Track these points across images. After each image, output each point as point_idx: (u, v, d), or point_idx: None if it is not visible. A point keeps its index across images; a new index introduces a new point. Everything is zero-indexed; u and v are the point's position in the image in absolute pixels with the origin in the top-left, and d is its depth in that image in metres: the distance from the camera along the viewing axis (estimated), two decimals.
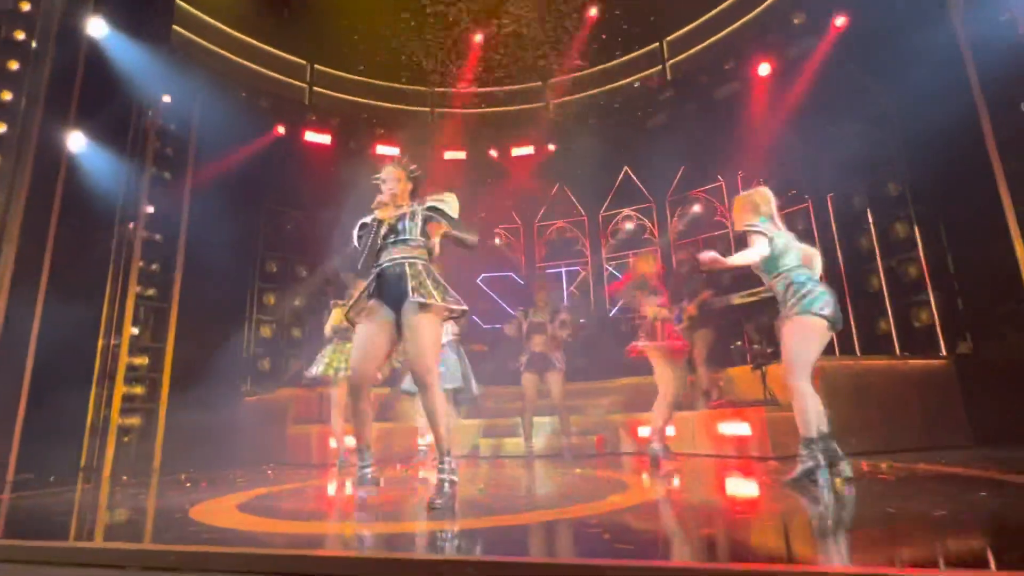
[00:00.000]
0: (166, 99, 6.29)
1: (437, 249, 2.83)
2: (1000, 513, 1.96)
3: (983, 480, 2.78)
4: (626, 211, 8.38)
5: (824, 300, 2.86)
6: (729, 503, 2.67)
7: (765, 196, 3.23)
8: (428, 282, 2.72)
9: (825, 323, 2.84)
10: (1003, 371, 4.78)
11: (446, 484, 2.52)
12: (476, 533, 2.07)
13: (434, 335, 2.69)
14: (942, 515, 1.96)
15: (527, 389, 5.21)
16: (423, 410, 2.75)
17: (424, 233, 2.83)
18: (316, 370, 4.67)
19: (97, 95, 5.57)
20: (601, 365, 8.07)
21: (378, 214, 2.81)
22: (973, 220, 5.08)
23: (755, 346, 5.31)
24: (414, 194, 2.99)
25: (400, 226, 2.82)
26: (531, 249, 8.87)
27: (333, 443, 4.53)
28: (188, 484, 4.07)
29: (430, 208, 2.86)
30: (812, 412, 2.78)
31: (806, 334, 2.84)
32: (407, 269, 2.73)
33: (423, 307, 2.65)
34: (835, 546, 1.77)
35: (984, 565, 1.42)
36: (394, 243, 2.81)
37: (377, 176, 2.94)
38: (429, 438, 4.80)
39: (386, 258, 2.80)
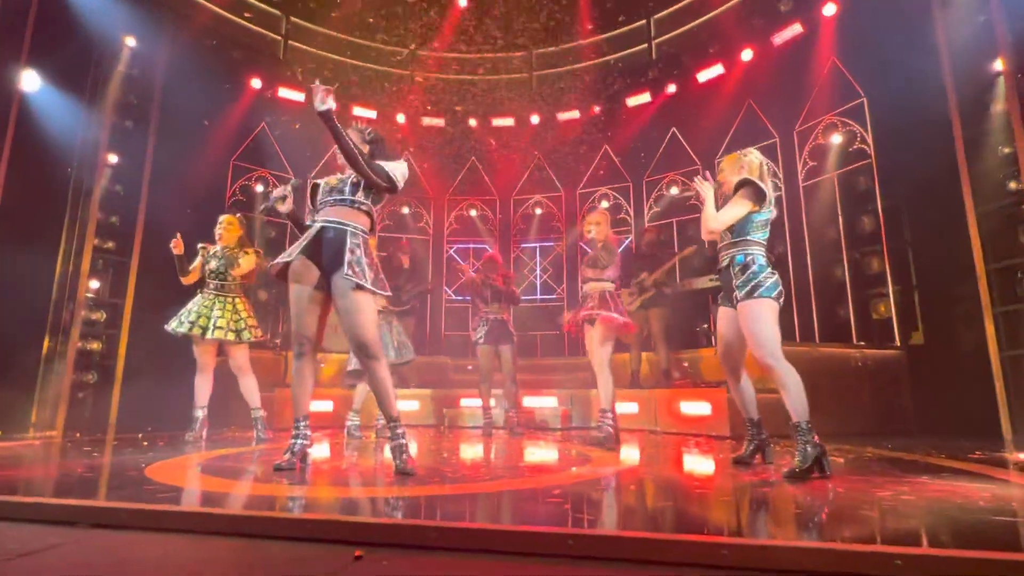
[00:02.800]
0: (130, 42, 5.95)
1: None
2: (937, 495, 2.06)
3: (924, 464, 2.93)
4: (603, 190, 8.38)
5: (779, 288, 2.81)
6: (686, 479, 2.75)
7: (760, 159, 3.03)
8: (364, 260, 2.66)
9: (778, 307, 2.80)
10: (950, 364, 5.01)
11: (404, 452, 2.59)
12: (437, 499, 2.08)
13: (370, 309, 2.66)
14: (884, 496, 2.05)
15: (483, 361, 5.24)
16: (369, 385, 2.73)
17: (369, 196, 2.77)
18: (173, 325, 4.22)
19: (53, 32, 5.23)
20: (570, 340, 8.15)
21: (278, 208, 2.91)
22: (936, 218, 5.25)
23: None
24: (371, 157, 2.88)
25: (344, 187, 2.75)
26: (507, 223, 8.82)
27: (197, 413, 4.26)
28: (145, 443, 3.99)
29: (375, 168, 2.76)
30: (802, 392, 2.68)
31: (774, 315, 2.76)
32: (348, 239, 2.66)
33: (356, 285, 2.61)
34: (784, 522, 1.85)
35: (918, 542, 1.50)
36: (335, 202, 2.74)
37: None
38: (356, 419, 4.79)
39: (327, 217, 2.72)
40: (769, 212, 2.90)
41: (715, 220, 2.85)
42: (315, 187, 2.90)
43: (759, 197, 2.83)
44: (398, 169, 2.78)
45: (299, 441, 2.73)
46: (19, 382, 5.03)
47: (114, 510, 1.60)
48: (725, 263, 2.89)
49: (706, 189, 2.96)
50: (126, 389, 5.67)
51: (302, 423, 2.75)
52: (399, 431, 2.64)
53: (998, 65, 4.53)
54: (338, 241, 2.65)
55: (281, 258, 2.74)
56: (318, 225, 2.71)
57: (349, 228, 2.68)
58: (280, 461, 2.66)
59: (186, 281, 4.44)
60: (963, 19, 4.85)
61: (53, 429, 5.08)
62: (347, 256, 2.61)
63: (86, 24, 5.49)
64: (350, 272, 2.58)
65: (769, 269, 2.82)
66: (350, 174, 2.78)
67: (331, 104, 2.56)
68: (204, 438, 4.23)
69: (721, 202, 3.02)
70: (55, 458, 3.27)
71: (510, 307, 5.38)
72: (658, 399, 5.46)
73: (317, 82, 2.59)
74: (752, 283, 2.75)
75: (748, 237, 2.85)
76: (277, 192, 2.91)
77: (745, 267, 2.80)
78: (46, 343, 5.31)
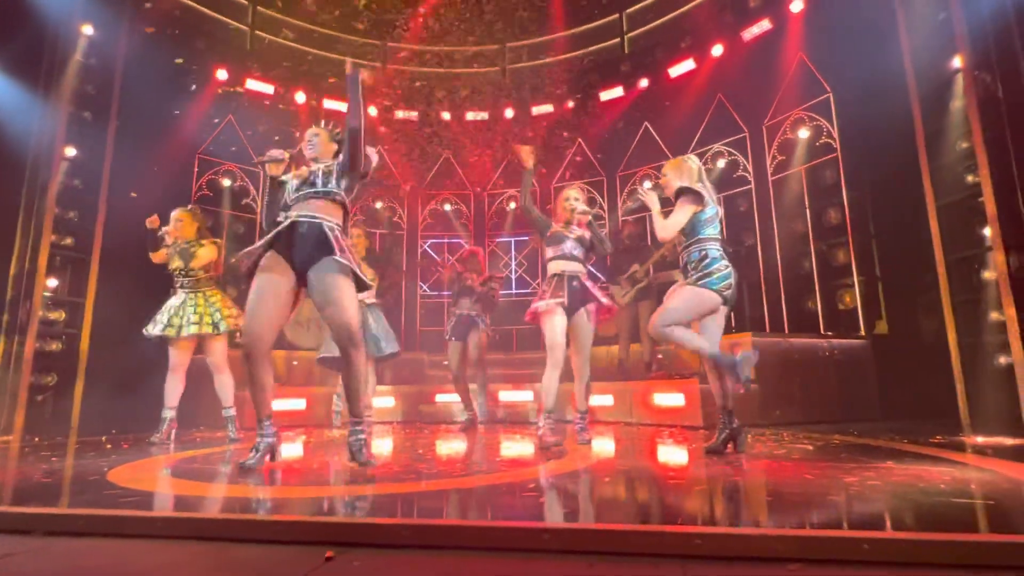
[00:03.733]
0: (87, 30, 5.71)
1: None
2: (901, 480, 2.12)
3: (889, 450, 3.02)
4: (577, 183, 8.39)
5: (727, 281, 3.02)
6: (661, 469, 2.78)
7: (698, 164, 3.26)
8: (347, 246, 2.65)
9: (720, 299, 3.02)
10: (913, 352, 5.18)
11: (365, 446, 2.57)
12: (412, 497, 2.06)
13: (354, 295, 2.60)
14: (852, 481, 2.10)
15: (452, 358, 5.22)
16: (343, 376, 2.66)
17: (341, 185, 2.71)
18: (148, 328, 4.13)
19: (4, 19, 5.00)
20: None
21: (268, 169, 2.73)
22: (899, 210, 5.40)
23: None
24: (338, 155, 2.86)
25: (314, 179, 2.68)
26: (481, 217, 8.77)
27: (166, 414, 4.13)
28: (108, 446, 3.86)
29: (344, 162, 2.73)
30: (694, 335, 3.00)
31: (698, 303, 2.98)
32: (327, 232, 2.60)
33: (342, 268, 2.55)
34: (756, 509, 1.88)
35: (884, 526, 1.54)
36: (306, 196, 2.65)
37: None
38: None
39: (300, 212, 2.63)
40: (713, 209, 3.13)
41: (663, 229, 3.09)
42: (281, 184, 2.80)
43: (698, 199, 3.06)
44: (372, 157, 2.79)
45: (265, 439, 2.67)
46: None
47: (71, 516, 1.53)
48: (685, 261, 3.12)
49: (652, 199, 3.22)
50: (88, 391, 5.47)
51: (266, 423, 2.67)
52: (360, 427, 2.60)
53: (957, 62, 4.66)
54: (314, 235, 2.58)
55: (250, 249, 2.62)
56: (289, 220, 2.61)
57: (325, 222, 2.61)
58: (245, 460, 2.59)
59: (156, 258, 4.31)
60: (924, 17, 4.97)
61: (10, 433, 4.88)
62: (335, 244, 2.56)
63: (39, 11, 5.25)
64: (341, 256, 2.53)
65: (723, 262, 3.06)
66: (319, 166, 2.74)
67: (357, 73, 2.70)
68: (172, 440, 4.11)
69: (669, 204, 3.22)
70: (12, 463, 3.13)
71: (483, 307, 5.30)
72: (633, 391, 5.52)
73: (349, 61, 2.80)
74: (702, 272, 3.01)
75: (700, 235, 3.09)
76: (276, 152, 2.77)
77: (701, 260, 3.04)
78: (1, 344, 5.09)
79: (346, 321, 2.51)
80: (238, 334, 4.29)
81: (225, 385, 4.25)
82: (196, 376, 4.45)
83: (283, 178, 2.80)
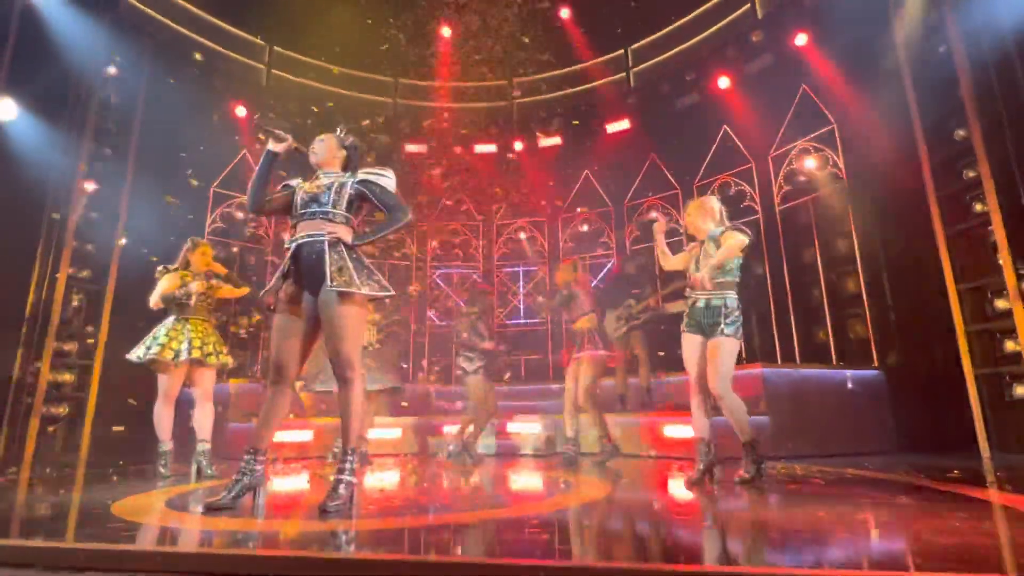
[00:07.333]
0: (110, 70, 5.94)
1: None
2: (918, 517, 2.06)
3: (904, 485, 2.94)
4: (583, 214, 8.45)
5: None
6: (669, 504, 2.72)
7: (719, 205, 3.31)
8: (350, 265, 2.43)
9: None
10: (928, 383, 5.07)
11: (342, 486, 2.32)
12: (412, 532, 2.03)
13: (358, 324, 2.43)
14: (865, 518, 2.05)
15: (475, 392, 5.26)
16: (339, 406, 2.41)
17: (351, 209, 2.55)
18: (139, 353, 3.81)
19: (32, 60, 5.22)
20: (555, 364, 8.13)
21: (270, 143, 2.53)
22: (908, 239, 5.37)
23: None
24: (347, 164, 2.71)
25: (323, 197, 2.51)
26: (490, 247, 8.83)
27: (162, 446, 3.86)
28: (115, 478, 3.85)
29: (362, 182, 2.56)
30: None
31: (735, 353, 3.04)
32: (327, 250, 2.43)
33: (344, 295, 2.38)
34: (764, 547, 1.83)
35: (902, 566, 1.49)
36: (313, 215, 2.49)
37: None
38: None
39: (303, 232, 2.49)
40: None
41: (721, 254, 3.06)
42: (293, 191, 2.62)
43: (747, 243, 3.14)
44: (391, 184, 2.62)
45: (244, 478, 2.37)
46: None
47: (71, 551, 1.53)
48: (719, 305, 3.07)
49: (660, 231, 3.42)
50: (98, 422, 5.50)
51: (258, 456, 2.40)
52: (346, 465, 2.34)
53: (959, 92, 4.70)
54: (317, 254, 2.44)
55: (271, 286, 2.51)
56: (293, 246, 2.50)
57: (327, 239, 2.45)
58: (215, 500, 2.32)
59: (167, 291, 4.11)
60: (924, 49, 5.04)
61: (20, 464, 4.89)
62: (328, 268, 2.39)
63: (66, 51, 5.48)
64: (334, 283, 2.37)
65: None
66: (329, 182, 2.58)
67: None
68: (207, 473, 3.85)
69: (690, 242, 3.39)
70: (20, 495, 3.14)
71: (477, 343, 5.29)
72: (640, 424, 5.44)
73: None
74: (737, 322, 3.05)
75: (736, 279, 3.16)
76: (282, 132, 2.56)
77: (735, 308, 3.07)
78: (15, 375, 5.14)
79: (339, 346, 2.37)
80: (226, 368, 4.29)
81: (208, 416, 4.01)
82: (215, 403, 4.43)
83: (291, 183, 2.67)
